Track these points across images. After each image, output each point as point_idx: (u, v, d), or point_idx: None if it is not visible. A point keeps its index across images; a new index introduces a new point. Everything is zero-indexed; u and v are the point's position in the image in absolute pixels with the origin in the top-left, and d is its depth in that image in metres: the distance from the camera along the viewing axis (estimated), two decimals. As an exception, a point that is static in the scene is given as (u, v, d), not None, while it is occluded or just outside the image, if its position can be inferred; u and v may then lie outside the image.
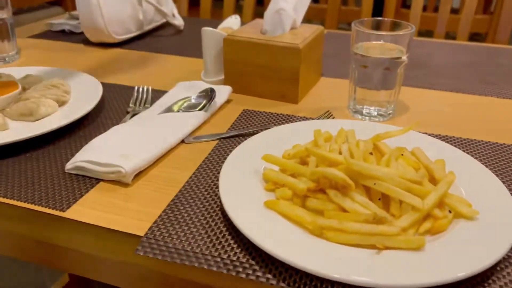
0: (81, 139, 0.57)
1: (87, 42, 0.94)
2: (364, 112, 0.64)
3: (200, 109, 0.62)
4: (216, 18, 1.31)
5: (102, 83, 0.69)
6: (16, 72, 0.70)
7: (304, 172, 0.44)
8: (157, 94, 0.70)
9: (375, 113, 0.63)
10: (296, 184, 0.42)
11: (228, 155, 0.53)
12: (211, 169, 0.51)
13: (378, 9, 1.43)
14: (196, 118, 0.60)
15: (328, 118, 0.62)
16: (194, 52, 0.90)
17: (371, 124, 0.58)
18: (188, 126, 0.58)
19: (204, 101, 0.63)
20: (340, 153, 0.46)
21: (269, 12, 0.71)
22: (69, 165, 0.49)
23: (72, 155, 0.52)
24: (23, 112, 0.58)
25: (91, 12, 0.86)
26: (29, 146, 0.54)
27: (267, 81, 0.69)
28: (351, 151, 0.45)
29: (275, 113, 0.65)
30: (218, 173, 0.50)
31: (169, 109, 0.62)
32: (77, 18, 1.04)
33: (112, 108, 0.65)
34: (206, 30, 0.70)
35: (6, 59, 0.82)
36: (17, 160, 0.52)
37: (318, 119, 0.62)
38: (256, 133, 0.58)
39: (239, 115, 0.65)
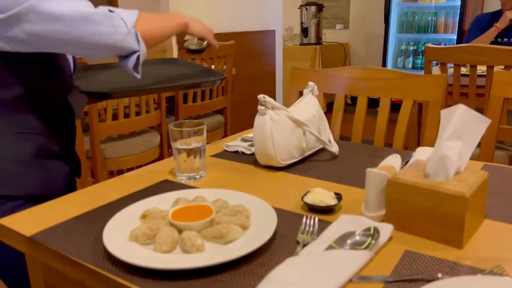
0: (260, 266, 0.65)
1: (256, 164, 1.08)
2: (540, 270, 0.61)
3: (365, 248, 0.67)
4: (367, 135, 1.39)
5: (273, 207, 0.79)
6: (207, 193, 0.85)
7: None
8: (321, 224, 0.77)
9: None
10: None
11: (397, 303, 0.56)
12: (380, 315, 0.54)
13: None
14: (362, 257, 0.65)
15: (500, 274, 0.61)
16: (350, 181, 0.98)
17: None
18: (355, 265, 0.63)
19: (369, 240, 0.68)
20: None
21: (433, 157, 0.75)
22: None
23: (255, 282, 0.61)
24: (216, 235, 0.70)
25: (265, 143, 1.01)
26: (219, 268, 0.64)
27: (429, 224, 0.71)
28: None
29: (439, 258, 0.66)
30: (388, 321, 0.53)
31: (333, 245, 0.68)
32: (248, 141, 1.22)
33: (283, 235, 0.74)
34: (371, 171, 0.77)
35: (197, 177, 0.99)
36: (211, 281, 0.62)
37: (489, 273, 0.61)
38: (421, 280, 0.60)
39: (402, 256, 0.67)
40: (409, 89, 1.31)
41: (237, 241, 0.69)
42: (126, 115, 2.29)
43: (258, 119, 1.03)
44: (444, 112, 0.77)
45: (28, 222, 0.80)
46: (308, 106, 1.14)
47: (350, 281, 0.61)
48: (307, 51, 5.01)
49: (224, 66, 2.77)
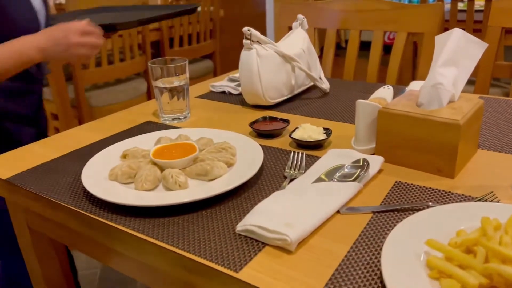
0: (246, 201, 0.63)
1: (243, 103, 1.04)
2: (533, 196, 0.59)
3: (353, 180, 0.64)
4: (358, 78, 1.35)
5: (260, 145, 0.76)
6: (191, 133, 0.82)
7: (474, 265, 0.42)
8: (309, 159, 0.74)
9: (547, 198, 0.58)
10: (466, 278, 0.41)
11: (384, 231, 0.54)
12: (368, 245, 0.53)
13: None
14: (350, 189, 0.62)
15: (492, 201, 0.59)
16: (341, 116, 0.94)
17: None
18: (343, 196, 0.61)
19: (358, 171, 0.66)
20: (513, 246, 0.44)
21: (425, 85, 0.71)
22: (239, 227, 0.55)
23: (240, 217, 0.59)
24: (200, 172, 0.67)
25: (251, 80, 0.96)
26: (204, 204, 0.62)
27: (421, 154, 0.69)
28: (528, 248, 0.43)
29: (430, 188, 0.64)
30: (376, 250, 0.51)
31: (322, 177, 0.66)
32: (235, 81, 1.17)
33: (271, 172, 0.71)
34: (361, 102, 0.73)
35: (181, 118, 0.95)
36: (195, 217, 0.60)
37: (481, 200, 0.60)
38: (411, 210, 0.58)
39: (392, 187, 0.65)
40: (404, 20, 1.25)
41: (222, 177, 0.67)
42: (111, 62, 2.21)
43: (243, 54, 0.97)
44: (438, 38, 0.72)
45: (5, 165, 0.77)
46: (297, 40, 1.08)
47: (338, 212, 0.59)
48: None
49: (211, 7, 2.65)
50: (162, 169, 0.68)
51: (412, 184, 0.66)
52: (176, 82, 0.93)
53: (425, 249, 0.48)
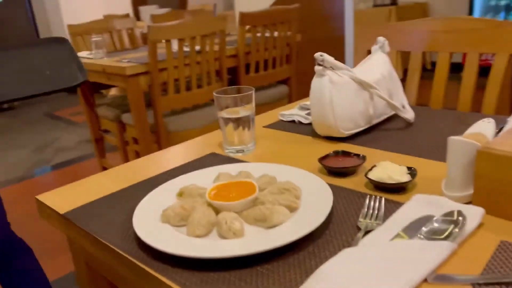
0: (310, 256, 0.53)
1: (314, 135, 0.95)
2: None
3: (445, 238, 0.52)
4: (449, 105, 1.19)
5: (329, 184, 0.66)
6: (253, 168, 0.74)
7: None
8: (389, 206, 0.63)
9: None
10: None
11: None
12: (467, 332, 0.40)
13: None
14: (441, 250, 0.50)
15: None
16: (428, 153, 0.81)
17: None
18: (432, 260, 0.49)
19: (451, 227, 0.53)
20: None
21: (540, 120, 0.57)
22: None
23: (301, 278, 0.49)
24: (258, 217, 0.59)
25: (323, 109, 0.87)
26: (258, 257, 0.53)
27: (535, 207, 0.54)
28: None
29: (550, 253, 0.50)
30: None
31: (402, 234, 0.54)
32: (306, 109, 1.09)
33: (342, 219, 0.61)
34: (454, 140, 0.61)
35: (245, 150, 0.88)
36: (249, 274, 0.51)
37: None
38: (527, 286, 0.45)
39: (496, 249, 0.52)
40: (503, 40, 1.08)
41: (283, 225, 0.58)
42: (188, 89, 2.25)
43: (315, 81, 0.89)
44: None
45: (65, 198, 0.75)
46: (377, 65, 0.98)
47: (425, 281, 0.47)
48: (380, 13, 4.64)
49: (288, 32, 2.62)
50: (218, 212, 0.61)
51: (524, 246, 0.52)
52: (241, 112, 0.87)
53: None
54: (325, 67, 0.88)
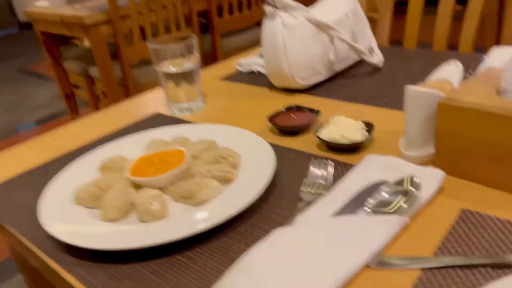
0: (240, 237, 0.46)
1: (272, 86, 0.85)
2: None
3: (394, 210, 0.44)
4: (424, 39, 1.08)
5: (277, 147, 0.58)
6: (193, 132, 0.65)
7: None
8: (340, 169, 0.54)
9: None
10: None
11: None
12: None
13: None
14: (389, 226, 0.42)
15: None
16: (394, 101, 0.72)
17: None
18: (377, 240, 0.41)
19: (401, 199, 0.45)
20: None
21: (510, 63, 0.47)
22: (215, 290, 0.38)
23: (226, 266, 0.42)
24: (184, 194, 0.51)
25: (276, 57, 0.76)
26: (182, 242, 0.46)
27: (504, 167, 0.46)
28: None
29: (517, 223, 0.42)
30: None
31: (352, 204, 0.46)
32: (266, 56, 0.98)
33: (285, 190, 0.53)
34: (412, 90, 0.51)
35: (192, 108, 0.79)
36: (166, 264, 0.44)
37: None
38: (487, 267, 0.37)
39: (457, 221, 0.44)
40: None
41: (213, 202, 0.50)
42: (155, 36, 2.09)
43: (266, 25, 0.78)
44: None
45: (-18, 176, 0.66)
46: (339, 3, 0.85)
47: (367, 266, 0.40)
48: None
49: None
50: (140, 189, 0.52)
51: (487, 215, 0.44)
52: (184, 65, 0.76)
53: None
54: (276, 7, 0.76)
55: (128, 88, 2.10)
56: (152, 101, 0.88)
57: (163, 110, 0.82)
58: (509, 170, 0.46)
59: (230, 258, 0.43)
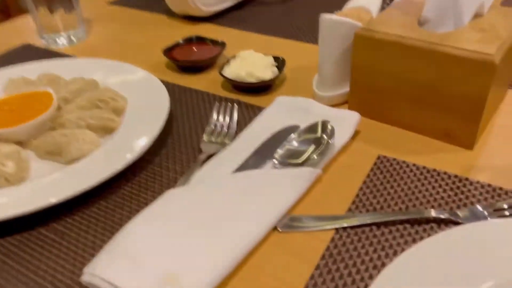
0: (123, 201, 0.37)
1: (170, 13, 0.73)
2: None
3: (304, 161, 0.38)
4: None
5: (173, 86, 0.49)
6: (66, 68, 0.53)
7: None
8: (247, 114, 0.47)
9: None
10: None
11: (358, 275, 0.30)
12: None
13: None
14: (299, 181, 0.36)
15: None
16: (309, 32, 0.65)
17: None
18: (284, 198, 0.35)
19: (313, 148, 0.39)
20: None
21: (437, -12, 0.42)
22: (87, 276, 0.30)
23: (101, 242, 0.33)
24: (50, 149, 0.40)
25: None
26: (44, 213, 0.36)
27: (422, 108, 0.42)
28: None
29: (433, 169, 0.39)
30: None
31: (258, 156, 0.39)
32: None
33: (181, 139, 0.44)
34: (325, 19, 0.44)
35: (72, 38, 0.65)
36: (36, 239, 0.34)
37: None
38: (405, 223, 0.33)
39: (372, 169, 0.39)
40: None
41: (88, 159, 0.40)
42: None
43: None
44: None
45: None
46: None
47: (275, 229, 0.34)
48: None
49: None
50: (-7, 143, 0.41)
51: (404, 162, 0.40)
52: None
53: None
54: None
55: (8, 14, 1.79)
56: (23, 30, 0.71)
57: (36, 41, 0.67)
58: (428, 110, 0.41)
59: (110, 231, 0.35)
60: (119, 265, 0.29)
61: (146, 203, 0.37)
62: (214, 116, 0.46)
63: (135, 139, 0.41)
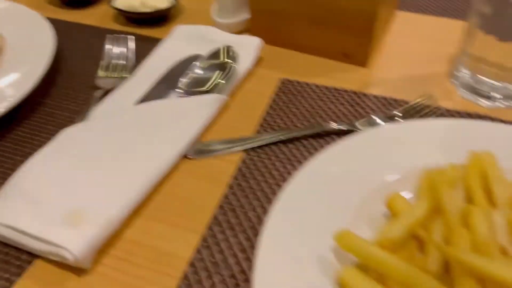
0: (16, 146, 0.34)
1: None
2: (485, 90, 0.38)
3: (210, 89, 0.37)
4: None
5: (59, 23, 0.44)
6: None
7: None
8: (144, 46, 0.44)
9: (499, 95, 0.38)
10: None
11: (268, 194, 0.31)
12: (235, 228, 0.29)
13: None
14: (205, 108, 0.36)
15: (430, 113, 0.37)
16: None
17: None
18: (192, 125, 0.34)
19: (219, 74, 0.38)
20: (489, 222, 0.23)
21: None
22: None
23: (-7, 191, 0.30)
24: None
25: None
26: None
27: (318, 29, 0.43)
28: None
29: (333, 88, 0.40)
30: (251, 239, 0.28)
31: (161, 87, 0.37)
32: None
33: (74, 76, 0.41)
34: None
35: None
36: None
37: (417, 110, 0.37)
38: (309, 138, 0.35)
39: (276, 92, 0.40)
40: None
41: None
42: None
43: None
44: None
45: None
46: None
47: (185, 157, 0.33)
48: None
49: None
50: None
51: (306, 83, 0.41)
52: None
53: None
54: None
55: None
56: None
57: None
58: (326, 30, 0.42)
59: (2, 177, 0.31)
60: (18, 207, 0.27)
61: (41, 146, 0.33)
62: (108, 48, 0.42)
63: (19, 80, 0.36)
